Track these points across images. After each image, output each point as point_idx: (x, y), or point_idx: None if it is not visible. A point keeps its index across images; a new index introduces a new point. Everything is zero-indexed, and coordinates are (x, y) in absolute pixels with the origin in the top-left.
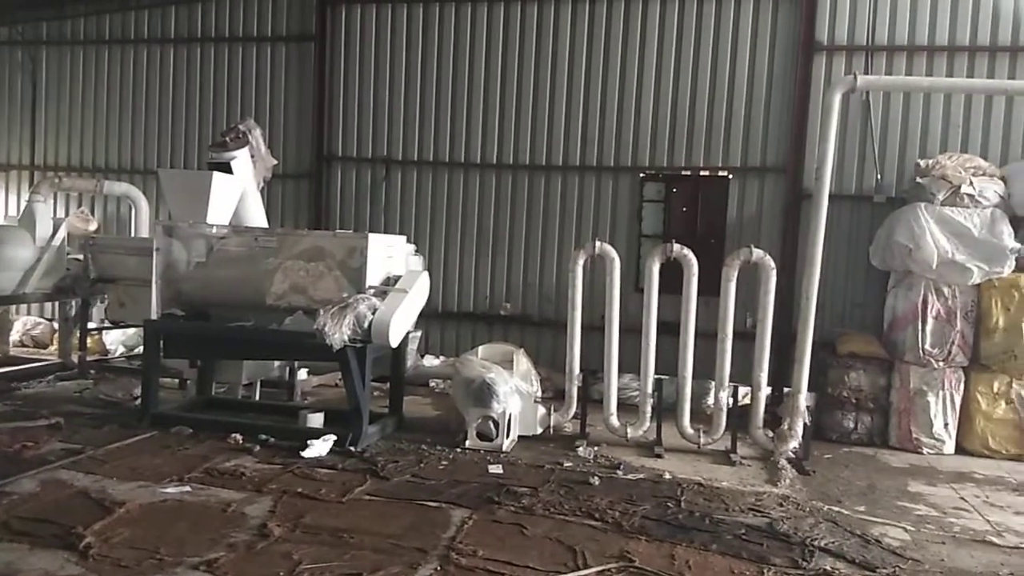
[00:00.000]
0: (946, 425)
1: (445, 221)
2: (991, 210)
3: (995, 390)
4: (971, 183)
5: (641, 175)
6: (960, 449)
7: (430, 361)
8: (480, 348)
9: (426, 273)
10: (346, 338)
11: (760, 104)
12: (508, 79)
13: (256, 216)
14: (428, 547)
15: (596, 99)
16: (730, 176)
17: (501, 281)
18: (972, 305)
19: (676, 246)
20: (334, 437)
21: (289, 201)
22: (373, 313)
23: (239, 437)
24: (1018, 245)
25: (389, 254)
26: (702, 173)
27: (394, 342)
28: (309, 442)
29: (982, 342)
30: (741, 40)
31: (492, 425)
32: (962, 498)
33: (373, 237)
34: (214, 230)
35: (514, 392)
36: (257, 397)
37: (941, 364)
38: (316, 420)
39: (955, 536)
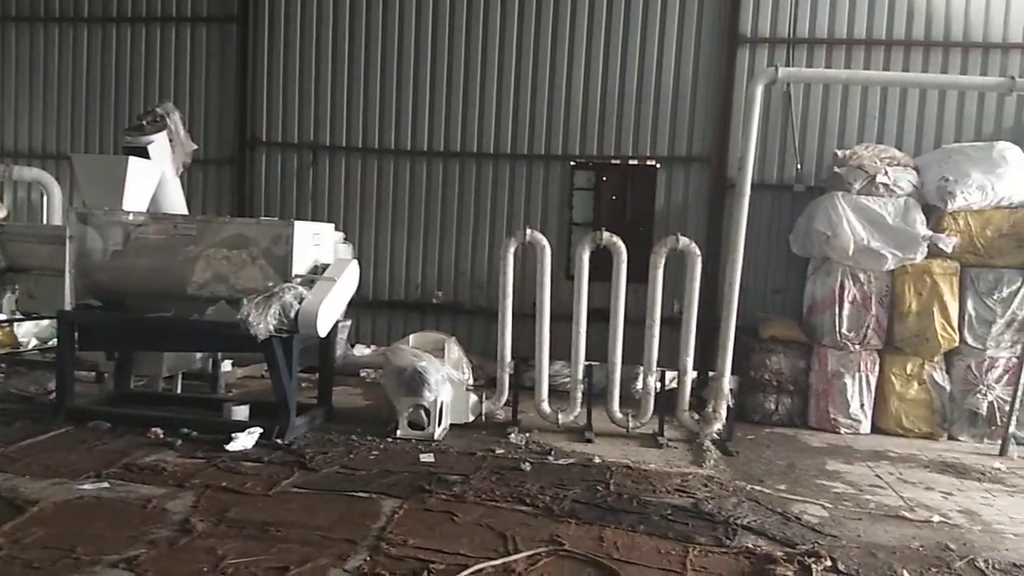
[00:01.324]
0: (862, 406)
1: (375, 209)
2: (905, 199)
3: (908, 372)
4: (886, 173)
5: (571, 164)
6: (876, 428)
7: (361, 351)
8: (411, 337)
9: (355, 262)
10: (271, 328)
11: (686, 95)
12: (439, 65)
13: (176, 203)
14: (358, 538)
15: (527, 87)
16: (658, 165)
17: (432, 269)
18: (886, 290)
19: (606, 234)
20: (260, 430)
21: (211, 187)
22: (300, 302)
23: (160, 431)
24: (930, 232)
25: (316, 242)
26: (631, 162)
27: (322, 332)
28: (234, 435)
29: (896, 326)
30: (668, 31)
31: (424, 414)
32: (877, 475)
33: (299, 224)
34: (131, 217)
35: (446, 380)
36: (179, 390)
37: (857, 347)
38: (241, 413)
39: (870, 512)
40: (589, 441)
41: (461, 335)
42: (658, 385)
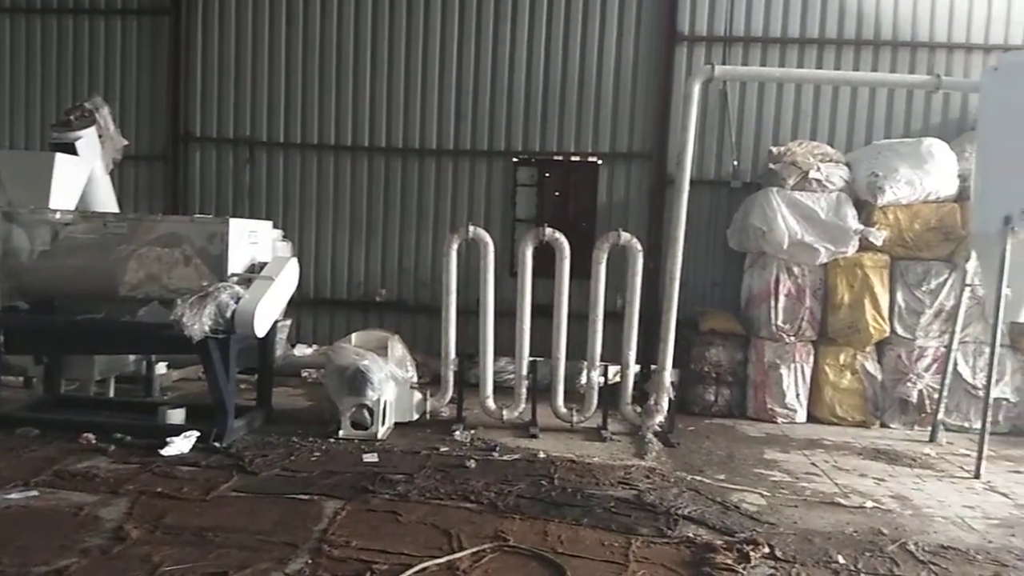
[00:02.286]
0: (798, 396)
1: (315, 206)
2: (836, 194)
3: (841, 362)
4: (819, 169)
5: (514, 160)
6: (811, 417)
7: (301, 350)
8: (353, 335)
9: (295, 259)
10: (207, 329)
11: (627, 92)
12: (379, 60)
13: (106, 201)
14: (299, 541)
15: (469, 83)
16: (600, 161)
17: (375, 267)
18: (820, 283)
19: (548, 230)
20: (197, 433)
21: (143, 185)
22: (236, 302)
23: (92, 437)
24: (861, 226)
25: (253, 240)
26: (573, 158)
27: (260, 332)
28: (169, 439)
29: (829, 317)
30: (608, 28)
31: (367, 413)
32: (813, 463)
33: (234, 222)
34: (59, 216)
35: (389, 379)
36: (111, 394)
37: (792, 339)
38: (177, 416)
39: (806, 499)
40: (534, 436)
41: (405, 333)
42: (601, 379)
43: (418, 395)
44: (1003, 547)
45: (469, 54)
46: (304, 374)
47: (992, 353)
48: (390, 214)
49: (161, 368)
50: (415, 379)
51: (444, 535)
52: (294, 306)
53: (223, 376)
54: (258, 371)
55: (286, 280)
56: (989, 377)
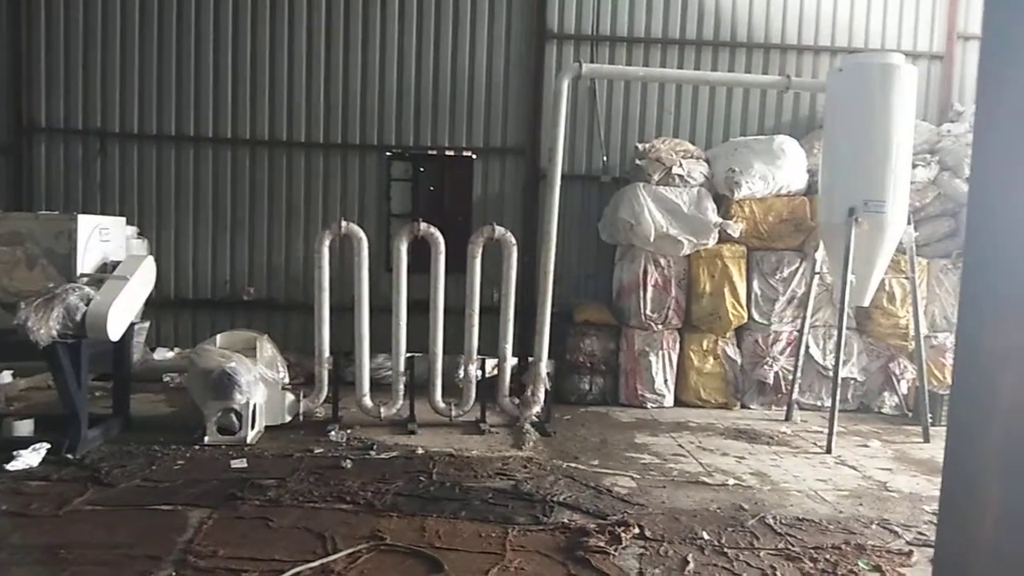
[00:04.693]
0: (666, 381)
1: (174, 201)
2: (698, 189)
3: (704, 348)
4: (681, 165)
5: (388, 154)
6: (678, 401)
7: (162, 354)
8: (218, 336)
9: (151, 258)
10: (54, 333)
11: (499, 87)
12: (241, 47)
13: None
14: (162, 553)
15: (338, 76)
16: (474, 156)
17: (242, 264)
18: (684, 274)
19: (423, 225)
20: (47, 445)
21: None
22: (87, 304)
23: None
24: (720, 219)
25: (105, 237)
26: (448, 153)
27: (114, 335)
28: (16, 453)
29: (693, 306)
30: (479, 24)
31: (234, 417)
32: (680, 445)
33: (83, 219)
34: None
35: (258, 381)
36: None
37: (660, 327)
38: (24, 428)
39: (674, 480)
40: (412, 433)
41: (277, 332)
42: (479, 373)
43: (290, 396)
44: (852, 516)
45: (338, 46)
46: (166, 379)
47: (840, 336)
48: (257, 209)
49: (6, 376)
50: (287, 380)
51: (318, 538)
52: (153, 307)
53: (74, 383)
54: (114, 377)
55: (142, 280)
56: (837, 358)
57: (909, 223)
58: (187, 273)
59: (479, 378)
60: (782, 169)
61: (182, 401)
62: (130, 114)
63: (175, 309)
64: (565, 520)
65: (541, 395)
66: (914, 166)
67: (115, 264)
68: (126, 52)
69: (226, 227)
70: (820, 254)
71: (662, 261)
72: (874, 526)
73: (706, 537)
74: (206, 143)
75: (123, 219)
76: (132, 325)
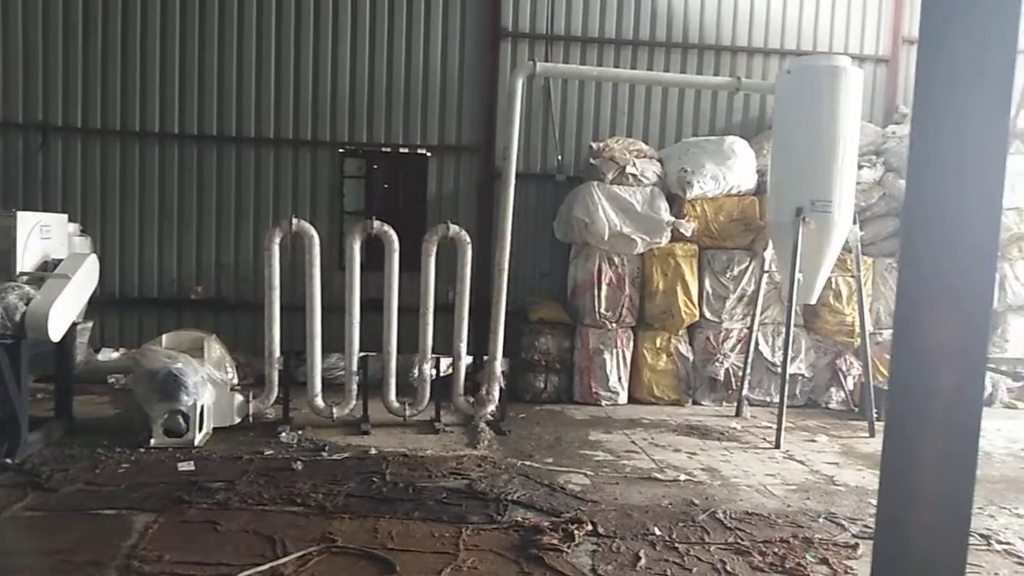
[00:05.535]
0: (620, 379)
1: (119, 197)
2: (651, 188)
3: (658, 345)
4: (634, 164)
5: (341, 151)
6: (632, 399)
7: (107, 355)
8: (164, 337)
9: (94, 256)
10: None
11: (454, 85)
12: (189, 40)
13: None
14: (105, 559)
15: (289, 69)
16: (429, 154)
17: (190, 262)
18: (637, 272)
19: (376, 223)
20: None
21: None
22: (27, 303)
23: None
24: (672, 218)
25: (46, 235)
26: (402, 150)
27: (55, 335)
28: None
29: (646, 304)
30: (433, 21)
31: (181, 419)
32: (633, 442)
33: (23, 215)
34: None
35: (206, 381)
36: None
37: (614, 325)
38: None
39: (627, 476)
40: (366, 433)
41: (226, 332)
42: (434, 372)
43: (239, 397)
44: (800, 510)
45: (289, 40)
46: (111, 380)
47: (788, 333)
48: (205, 206)
49: None
50: (235, 381)
51: (268, 541)
52: (97, 307)
53: (13, 385)
54: (56, 379)
55: (85, 278)
56: (785, 355)
57: (855, 222)
58: (132, 271)
59: (434, 377)
60: (732, 169)
61: (127, 403)
62: (73, 108)
63: (120, 308)
64: (519, 518)
65: (496, 394)
66: (860, 167)
67: (56, 262)
68: (68, 43)
69: (173, 224)
70: (769, 253)
71: (616, 260)
72: (821, 519)
73: (658, 533)
74: (152, 138)
75: (65, 216)
76: (74, 325)
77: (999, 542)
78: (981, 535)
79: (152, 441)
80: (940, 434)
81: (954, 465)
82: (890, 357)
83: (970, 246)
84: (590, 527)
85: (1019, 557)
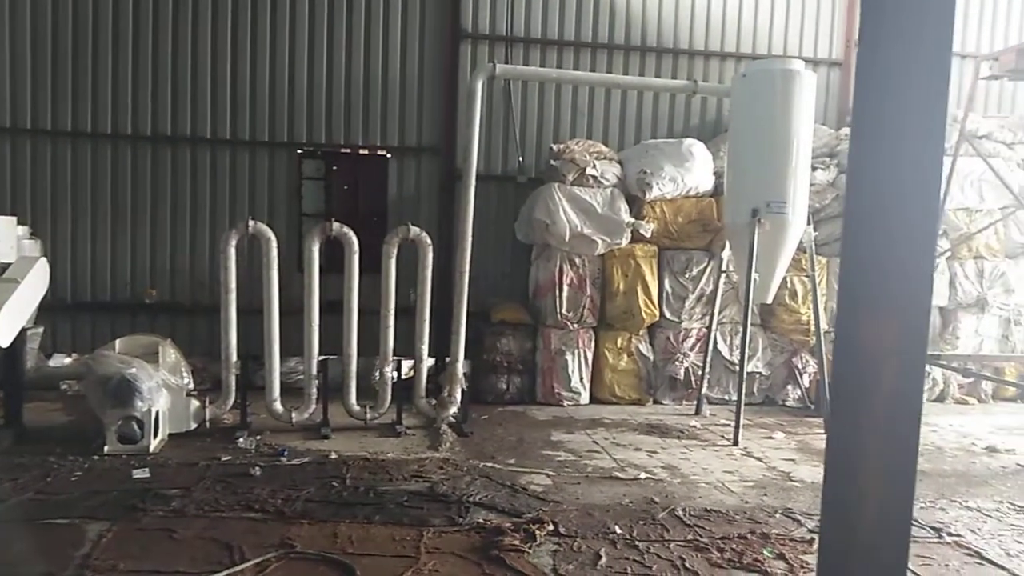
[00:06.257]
0: (581, 379)
1: (70, 200)
2: (611, 189)
3: (619, 345)
4: (595, 166)
5: (299, 151)
6: (594, 399)
7: (58, 360)
8: (117, 342)
9: (44, 259)
10: None
11: (414, 86)
12: (143, 38)
13: None
14: (56, 569)
15: (246, 69)
16: (389, 155)
17: (144, 265)
18: (598, 273)
19: (336, 224)
20: None
21: None
22: None
23: None
24: (632, 220)
25: None
26: (361, 151)
27: (4, 341)
28: None
29: (607, 305)
30: (392, 22)
31: (135, 426)
32: (594, 441)
33: None
34: None
35: (161, 387)
36: None
37: (575, 326)
38: None
39: (588, 476)
40: (326, 437)
41: (182, 337)
42: (395, 375)
43: (195, 403)
44: (757, 506)
45: (245, 40)
46: (63, 387)
47: (745, 332)
48: (159, 209)
49: None
50: (191, 386)
51: (225, 548)
52: (48, 311)
53: None
54: (5, 385)
55: (35, 282)
56: (743, 354)
57: (809, 223)
58: (85, 275)
59: (395, 380)
60: (691, 171)
61: (80, 410)
62: (22, 108)
63: (72, 313)
64: (481, 520)
65: (458, 395)
66: (814, 168)
67: (4, 266)
68: (16, 40)
69: (127, 227)
70: (727, 253)
71: (577, 261)
72: (778, 515)
73: (618, 531)
74: (104, 139)
75: (14, 219)
76: (24, 330)
77: (950, 534)
78: (932, 528)
79: (106, 448)
80: (881, 430)
81: (896, 460)
82: (832, 357)
83: (909, 248)
84: (552, 527)
85: (969, 549)
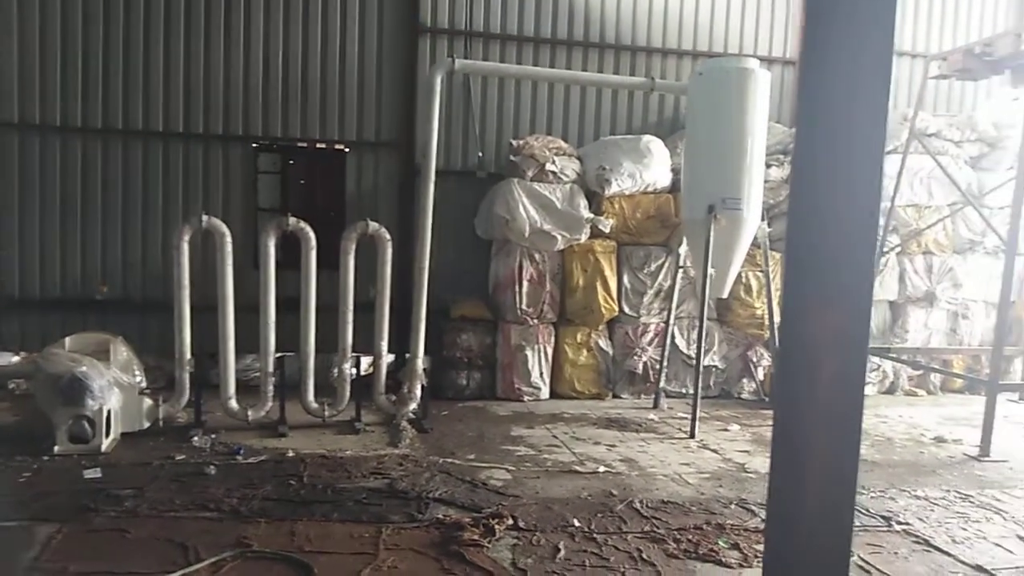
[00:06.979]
0: (541, 374)
1: (17, 194)
2: (570, 185)
3: (578, 340)
4: (554, 161)
5: (254, 145)
6: (554, 393)
7: (6, 358)
8: (68, 339)
9: None
10: None
11: (372, 81)
12: (92, 29)
13: None
14: (5, 573)
15: (199, 61)
16: (347, 150)
17: (94, 261)
18: (558, 268)
19: (292, 220)
20: None
21: None
22: None
23: None
24: (591, 215)
25: None
26: (319, 146)
27: None
28: None
29: (567, 300)
30: (350, 16)
31: (87, 425)
32: (554, 436)
33: None
34: None
35: (112, 385)
36: None
37: (535, 321)
38: None
39: (548, 470)
40: (283, 435)
41: (133, 334)
42: (354, 371)
43: (148, 401)
44: (713, 497)
45: (199, 31)
46: (11, 385)
47: (701, 326)
48: (110, 203)
49: None
50: (144, 384)
51: (179, 548)
52: None
53: None
54: None
55: None
56: (699, 348)
57: (763, 219)
58: (33, 271)
59: (354, 376)
60: (649, 168)
61: (28, 409)
62: None
63: (20, 310)
64: (440, 516)
65: (417, 392)
66: (768, 166)
67: None
68: None
69: (76, 222)
70: (684, 249)
71: (537, 256)
72: (733, 506)
73: (577, 524)
74: (53, 132)
75: None
76: None
77: (899, 523)
78: (883, 516)
79: (56, 448)
80: (824, 421)
81: (838, 448)
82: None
83: (850, 243)
84: (511, 521)
85: (917, 537)
